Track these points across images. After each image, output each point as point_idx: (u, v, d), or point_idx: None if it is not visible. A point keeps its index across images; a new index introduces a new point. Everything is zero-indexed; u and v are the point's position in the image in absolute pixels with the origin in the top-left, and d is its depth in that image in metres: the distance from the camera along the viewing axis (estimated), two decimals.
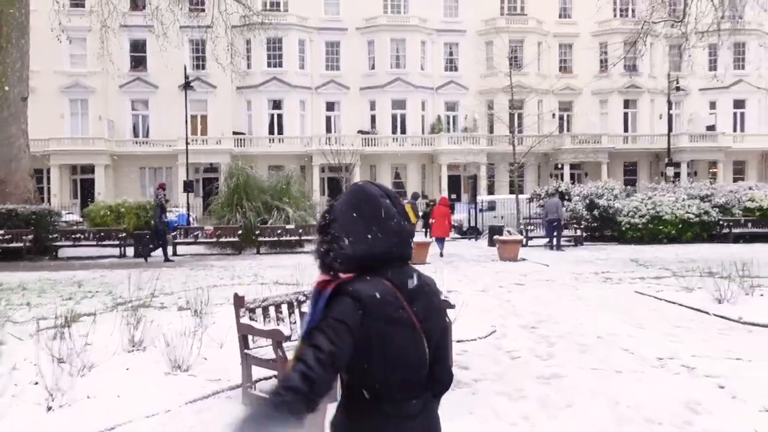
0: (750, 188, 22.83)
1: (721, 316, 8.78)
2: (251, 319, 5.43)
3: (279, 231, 19.71)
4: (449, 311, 5.91)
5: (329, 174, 38.98)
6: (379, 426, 1.80)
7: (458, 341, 7.18)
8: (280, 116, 39.57)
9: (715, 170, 40.41)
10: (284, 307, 5.79)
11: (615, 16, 41.63)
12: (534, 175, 40.17)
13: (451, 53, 41.32)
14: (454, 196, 38.78)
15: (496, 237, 17.45)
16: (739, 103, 41.88)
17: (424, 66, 40.36)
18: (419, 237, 18.89)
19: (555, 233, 19.64)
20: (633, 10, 40.86)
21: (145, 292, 11.56)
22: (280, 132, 39.48)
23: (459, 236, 26.52)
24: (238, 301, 5.38)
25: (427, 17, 39.85)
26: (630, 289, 11.58)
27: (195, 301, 8.62)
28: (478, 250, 20.30)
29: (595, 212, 21.69)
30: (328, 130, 40.29)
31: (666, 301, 10.09)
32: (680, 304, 9.73)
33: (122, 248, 19.54)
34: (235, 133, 38.70)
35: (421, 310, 1.83)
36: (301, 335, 1.79)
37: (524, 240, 19.52)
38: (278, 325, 5.45)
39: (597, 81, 41.28)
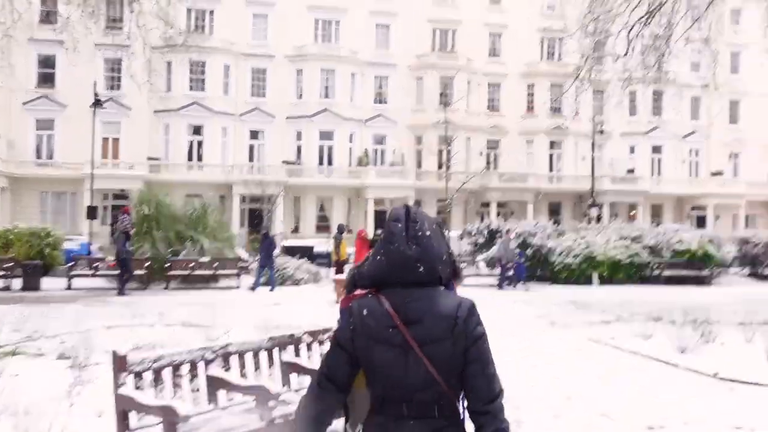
0: (677, 230, 22.82)
1: (694, 370, 7.84)
2: (137, 387, 3.91)
3: (192, 264, 17.86)
4: None
5: (251, 205, 37.15)
6: None
7: None
8: (200, 142, 37.51)
9: (634, 212, 41.22)
10: (184, 369, 4.30)
11: (542, 58, 42.28)
12: (461, 212, 39.68)
13: (381, 86, 40.68)
14: (379, 232, 37.67)
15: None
16: (656, 149, 43.16)
17: (354, 98, 39.47)
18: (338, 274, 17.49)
19: (510, 273, 19.46)
20: (560, 54, 41.57)
21: (22, 334, 9.69)
22: (200, 159, 37.39)
23: None
24: (119, 363, 3.86)
25: (358, 49, 39.14)
26: (581, 335, 10.60)
27: (77, 349, 6.94)
28: None
29: (528, 251, 20.98)
30: (252, 159, 38.57)
31: (627, 351, 9.12)
32: (644, 355, 8.77)
33: (8, 279, 17.14)
34: (150, 158, 36.32)
35: (420, 334, 1.86)
36: None
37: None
38: (174, 395, 3.96)
39: (524, 121, 41.61)
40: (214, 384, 4.55)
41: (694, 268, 21.34)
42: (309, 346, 5.22)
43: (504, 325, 11.50)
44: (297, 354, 5.11)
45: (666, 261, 21.30)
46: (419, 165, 39.76)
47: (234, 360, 4.77)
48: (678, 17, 18.70)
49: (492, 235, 23.31)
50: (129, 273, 16.52)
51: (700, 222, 39.94)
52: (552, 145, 42.05)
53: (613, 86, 36.50)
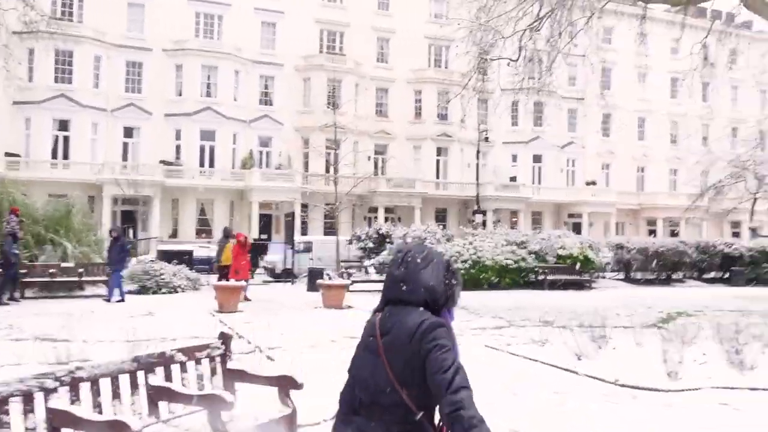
0: (559, 236, 23.45)
1: (594, 377, 7.60)
2: None
3: (52, 270, 15.98)
4: (295, 392, 4.01)
5: (124, 207, 34.73)
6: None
7: (299, 427, 5.05)
8: (66, 138, 34.54)
9: (515, 219, 42.50)
10: (14, 406, 3.28)
11: (429, 65, 42.71)
12: (348, 217, 39.14)
13: (266, 86, 39.40)
14: (265, 236, 36.42)
15: (320, 281, 15.52)
16: (537, 158, 44.82)
17: (237, 97, 37.93)
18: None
19: None
20: (446, 61, 42.23)
21: None
22: (66, 156, 34.41)
23: (272, 279, 24.23)
24: None
25: (242, 46, 37.69)
26: (476, 342, 10.24)
27: None
28: (297, 295, 18.20)
29: None
30: (125, 158, 36.05)
31: (526, 358, 8.79)
32: (543, 363, 8.47)
33: None
34: (8, 154, 32.97)
35: (387, 343, 2.23)
36: None
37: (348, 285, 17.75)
38: None
39: (411, 127, 41.81)
40: (58, 419, 3.54)
41: (575, 272, 21.95)
42: (183, 366, 4.30)
43: None
44: (168, 377, 4.18)
45: (550, 266, 21.76)
46: (306, 168, 38.85)
47: (85, 388, 3.78)
48: (561, 28, 19.20)
49: (381, 240, 22.91)
50: (13, 278, 14.89)
51: (576, 228, 41.75)
52: (439, 151, 42.54)
53: (498, 95, 37.50)
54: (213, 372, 4.41)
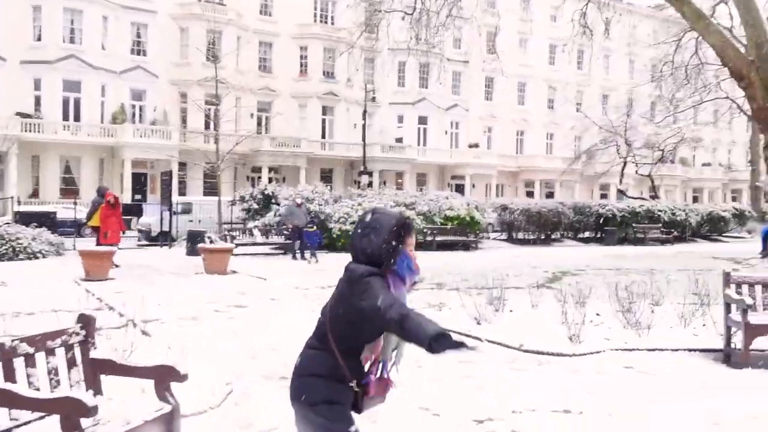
0: (447, 198, 23.50)
1: (498, 343, 7.32)
2: None
3: None
4: (176, 385, 3.26)
5: None
6: None
7: (183, 417, 4.28)
8: None
9: (401, 180, 42.58)
10: None
11: (315, 21, 41.29)
12: (230, 177, 37.48)
13: (139, 35, 36.46)
14: (139, 197, 34.13)
15: (201, 245, 14.42)
16: (422, 119, 44.93)
17: (106, 45, 34.83)
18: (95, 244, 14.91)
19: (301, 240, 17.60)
20: (333, 18, 41.00)
21: None
22: None
23: (148, 243, 22.61)
24: None
25: None
26: None
27: None
28: (175, 260, 16.94)
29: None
30: None
31: None
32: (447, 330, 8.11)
33: None
34: None
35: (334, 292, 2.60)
36: None
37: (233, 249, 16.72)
38: None
39: (296, 84, 40.44)
40: None
41: (463, 233, 22.11)
42: (30, 360, 3.38)
43: (288, 297, 10.25)
44: (9, 376, 3.25)
45: (438, 227, 21.75)
46: (184, 124, 36.61)
47: None
48: None
49: (267, 201, 21.91)
50: None
51: (459, 190, 42.49)
52: (325, 110, 41.54)
53: (385, 54, 36.95)
54: (71, 364, 3.54)
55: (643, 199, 34.04)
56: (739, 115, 42.82)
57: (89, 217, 15.34)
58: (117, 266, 14.13)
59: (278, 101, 40.27)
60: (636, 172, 36.59)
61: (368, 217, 2.55)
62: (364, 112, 36.60)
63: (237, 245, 18.87)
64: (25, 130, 31.62)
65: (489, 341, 7.44)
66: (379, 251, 2.46)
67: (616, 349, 7.03)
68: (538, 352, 6.91)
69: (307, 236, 17.28)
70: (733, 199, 60.09)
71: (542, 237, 26.12)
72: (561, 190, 48.06)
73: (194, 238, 17.36)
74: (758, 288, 6.78)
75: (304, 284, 12.12)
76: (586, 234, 27.98)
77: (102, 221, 14.82)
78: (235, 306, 9.58)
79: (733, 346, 6.70)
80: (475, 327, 8.29)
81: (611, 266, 16.95)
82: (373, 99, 38.06)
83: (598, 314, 8.93)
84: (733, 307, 6.72)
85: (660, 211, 28.31)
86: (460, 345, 2.31)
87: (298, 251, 17.50)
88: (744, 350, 6.28)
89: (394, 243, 2.48)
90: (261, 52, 40.13)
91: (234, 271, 13.97)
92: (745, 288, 6.80)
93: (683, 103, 34.96)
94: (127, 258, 16.42)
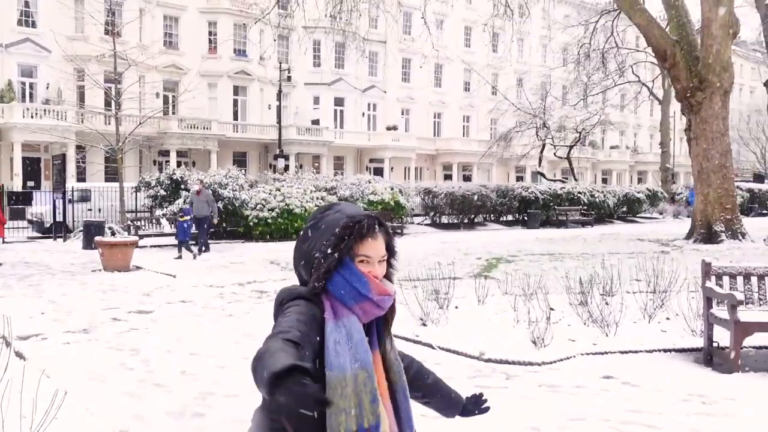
0: (369, 182, 22.44)
1: (454, 351, 6.31)
2: None
3: None
4: None
5: None
6: None
7: None
8: None
9: (318, 164, 41.14)
10: None
11: None
12: (135, 161, 34.96)
13: (27, 4, 33.06)
14: (32, 183, 31.12)
15: (98, 239, 12.65)
16: (339, 101, 43.54)
17: None
18: None
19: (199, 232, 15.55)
20: None
21: None
22: None
23: (41, 235, 20.30)
24: None
25: None
26: None
27: None
28: (70, 255, 15.02)
29: (220, 204, 18.33)
30: None
31: None
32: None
33: None
34: None
35: None
36: None
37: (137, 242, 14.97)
38: None
39: (205, 62, 38.07)
40: None
41: (386, 219, 21.11)
42: None
43: (203, 298, 8.84)
44: None
45: None
46: (82, 104, 33.60)
47: None
48: None
49: (175, 186, 20.09)
50: None
51: (378, 173, 41.49)
52: (237, 90, 39.36)
53: (300, 33, 35.29)
54: None
55: (561, 181, 34.24)
56: (648, 99, 44.13)
57: None
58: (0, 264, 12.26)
59: (186, 80, 37.66)
60: (554, 154, 36.77)
61: (320, 213, 1.70)
62: (279, 92, 34.88)
63: (141, 237, 17.13)
64: None
65: (442, 349, 6.43)
66: (309, 261, 1.63)
67: (587, 354, 6.18)
68: (502, 362, 5.95)
69: (179, 227, 15.05)
70: (639, 180, 62.46)
71: (466, 221, 25.56)
72: (478, 173, 48.02)
73: (91, 230, 15.49)
74: (740, 279, 6.08)
75: (219, 281, 10.71)
76: (509, 217, 27.69)
77: None
78: (138, 312, 8.12)
79: (715, 344, 5.97)
80: (422, 329, 7.29)
81: (543, 251, 16.41)
82: (289, 78, 36.38)
83: (552, 308, 8.08)
84: (714, 301, 6.00)
85: (580, 193, 28.40)
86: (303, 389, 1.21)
87: (198, 245, 15.32)
88: (734, 352, 5.53)
89: (330, 252, 1.59)
90: (166, 27, 37.44)
91: (138, 267, 12.35)
92: (726, 280, 6.09)
93: (597, 86, 35.45)
94: (13, 254, 14.43)
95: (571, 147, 35.37)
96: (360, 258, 1.60)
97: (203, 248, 15.32)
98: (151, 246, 16.93)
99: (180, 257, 14.11)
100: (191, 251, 14.49)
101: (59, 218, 18.90)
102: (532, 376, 5.61)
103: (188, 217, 14.83)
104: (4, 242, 17.56)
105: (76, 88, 33.78)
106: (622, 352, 6.24)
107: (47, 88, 33.21)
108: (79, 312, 8.04)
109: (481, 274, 12.18)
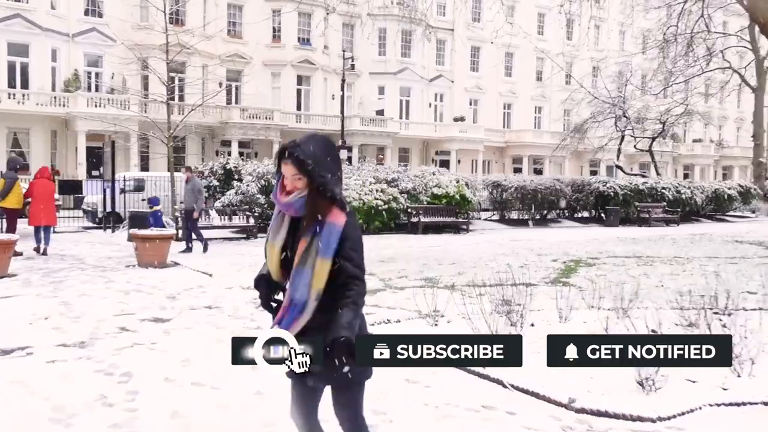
0: (433, 173, 20.92)
1: (535, 394, 4.78)
2: None
3: None
4: None
5: None
6: None
7: None
8: None
9: (382, 155, 39.85)
10: None
11: None
12: (197, 150, 34.63)
13: None
14: (96, 173, 31.08)
15: (133, 231, 11.70)
16: (405, 91, 42.08)
17: (56, 4, 31.49)
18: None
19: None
20: None
21: None
22: None
23: (94, 225, 19.81)
24: None
25: None
26: None
27: None
28: (113, 247, 14.21)
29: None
30: None
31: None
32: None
33: None
34: None
35: None
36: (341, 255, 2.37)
37: (177, 234, 14.00)
38: None
39: (269, 51, 37.35)
40: None
41: (452, 214, 19.58)
42: None
43: (236, 303, 7.58)
44: None
45: (424, 206, 19.19)
46: (145, 94, 33.42)
47: None
48: None
49: (229, 176, 19.20)
50: None
51: (444, 165, 39.85)
52: (300, 80, 38.51)
53: (365, 19, 33.94)
54: None
55: (642, 175, 31.73)
56: (738, 88, 40.66)
57: (3, 196, 12.50)
58: (20, 253, 11.48)
59: (249, 69, 37.15)
60: (634, 146, 34.19)
61: None
62: (343, 81, 33.77)
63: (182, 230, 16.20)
64: None
65: (517, 389, 4.90)
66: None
67: (719, 404, 4.53)
68: (600, 414, 4.37)
69: (148, 219, 13.61)
70: (724, 176, 58.20)
71: (537, 217, 23.70)
72: (550, 166, 45.65)
73: (138, 221, 14.65)
74: None
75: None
76: (584, 214, 25.61)
77: (37, 197, 12.34)
78: (153, 320, 6.93)
79: None
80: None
81: (627, 253, 14.53)
82: (352, 67, 35.17)
83: (654, 331, 6.43)
84: None
85: (664, 188, 25.99)
86: None
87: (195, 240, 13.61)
88: None
89: (275, 170, 2.52)
90: (230, 15, 36.90)
91: (176, 263, 11.30)
92: None
93: (682, 75, 32.59)
94: (55, 245, 13.71)
95: (653, 139, 32.73)
96: (281, 175, 2.42)
97: (203, 245, 13.39)
98: (197, 240, 15.97)
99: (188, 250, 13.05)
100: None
101: (110, 208, 18.26)
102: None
103: (157, 207, 13.82)
104: (54, 232, 17.05)
105: (140, 79, 33.60)
106: (765, 403, 4.56)
107: (112, 77, 33.17)
108: (87, 318, 6.92)
109: (559, 279, 10.54)
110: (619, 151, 33.85)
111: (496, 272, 11.24)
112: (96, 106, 30.86)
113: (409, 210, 18.92)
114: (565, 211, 24.98)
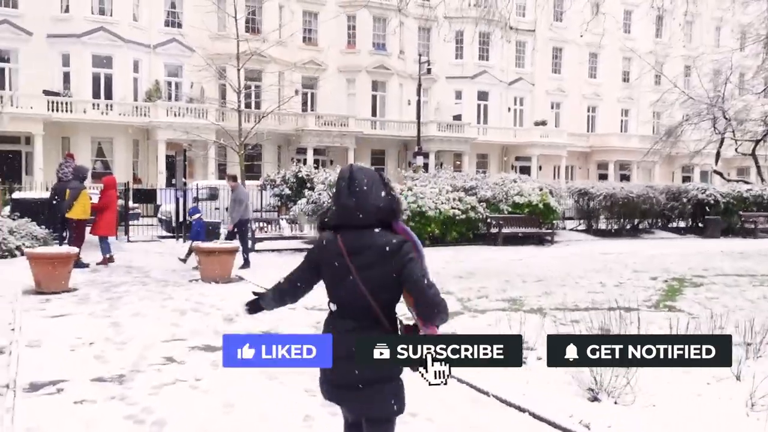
0: (515, 181, 19.67)
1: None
2: None
3: None
4: None
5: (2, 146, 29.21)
6: (326, 329, 2.66)
7: None
8: None
9: (460, 162, 38.72)
10: None
11: None
12: (273, 158, 34.64)
13: (173, 5, 33.65)
14: (175, 181, 31.49)
15: (195, 244, 11.19)
16: (482, 95, 40.78)
17: (138, 16, 32.18)
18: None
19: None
20: None
21: None
22: None
23: (169, 234, 19.69)
24: None
25: None
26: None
27: None
28: (179, 259, 13.81)
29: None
30: (0, 87, 30.14)
31: (509, 404, 4.80)
32: (539, 417, 4.50)
33: None
34: None
35: (360, 262, 2.53)
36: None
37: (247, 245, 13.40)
38: None
39: (344, 57, 36.98)
40: None
41: (535, 224, 18.29)
42: None
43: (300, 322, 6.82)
44: None
45: (505, 216, 17.99)
46: (222, 102, 33.69)
47: None
48: None
49: (302, 184, 18.64)
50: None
51: (524, 172, 38.25)
52: (375, 85, 37.94)
53: (441, 22, 32.91)
54: None
55: (744, 182, 29.21)
56: None
57: (69, 206, 12.29)
58: (86, 265, 11.18)
59: (324, 76, 36.92)
60: (736, 150, 31.56)
61: (361, 175, 2.63)
62: (419, 87, 32.90)
63: (260, 240, 15.70)
64: (52, 110, 29.26)
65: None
66: (386, 204, 2.61)
67: None
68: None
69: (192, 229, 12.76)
70: None
71: (628, 227, 21.99)
72: (638, 172, 43.15)
73: (207, 232, 14.20)
74: None
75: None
76: (680, 223, 23.64)
77: (102, 210, 12.19)
78: (204, 348, 6.21)
79: None
80: (590, 408, 4.65)
81: (738, 270, 12.91)
82: (428, 72, 34.24)
83: None
84: None
85: None
86: None
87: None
88: None
89: (393, 193, 2.67)
90: (306, 23, 36.78)
91: (240, 278, 10.67)
92: None
93: None
94: (124, 255, 13.46)
95: (757, 142, 30.08)
96: None
97: (243, 260, 11.99)
98: (270, 250, 15.46)
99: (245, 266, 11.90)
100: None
101: (183, 218, 18.03)
102: None
103: (197, 216, 12.94)
104: (128, 241, 16.97)
105: (218, 87, 33.91)
106: None
107: (191, 87, 33.60)
108: (133, 344, 6.28)
109: (664, 302, 9.22)
110: (717, 155, 31.34)
111: (588, 292, 10.09)
112: (175, 115, 31.28)
113: (488, 220, 17.78)
114: (658, 220, 23.11)
